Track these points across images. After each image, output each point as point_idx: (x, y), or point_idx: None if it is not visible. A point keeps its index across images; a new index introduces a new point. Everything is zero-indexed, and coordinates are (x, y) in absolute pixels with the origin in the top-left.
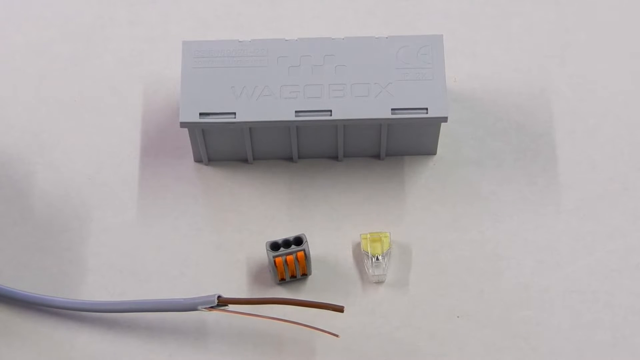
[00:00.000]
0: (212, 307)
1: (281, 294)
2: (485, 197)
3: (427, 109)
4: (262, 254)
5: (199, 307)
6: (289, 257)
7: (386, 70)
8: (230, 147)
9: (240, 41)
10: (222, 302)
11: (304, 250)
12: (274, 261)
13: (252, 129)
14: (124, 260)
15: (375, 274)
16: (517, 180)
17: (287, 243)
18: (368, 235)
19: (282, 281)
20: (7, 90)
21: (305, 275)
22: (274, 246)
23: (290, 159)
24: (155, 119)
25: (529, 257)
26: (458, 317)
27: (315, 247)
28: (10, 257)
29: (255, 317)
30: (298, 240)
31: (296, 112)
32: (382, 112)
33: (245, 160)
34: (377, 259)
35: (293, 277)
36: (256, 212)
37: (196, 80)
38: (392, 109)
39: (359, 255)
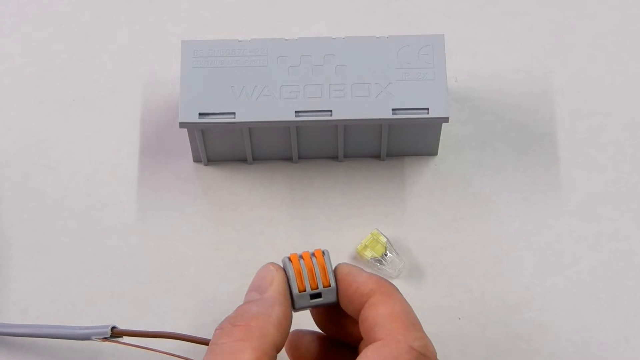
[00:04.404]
0: (105, 338)
1: None
2: (486, 198)
3: (428, 109)
4: (262, 254)
5: (93, 338)
6: (305, 253)
7: (387, 70)
8: (229, 147)
9: (239, 41)
10: (115, 334)
11: (322, 249)
12: (289, 258)
13: (251, 129)
14: (123, 261)
15: (397, 268)
16: (519, 180)
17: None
18: (363, 243)
19: (302, 293)
20: (6, 90)
21: (328, 288)
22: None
23: (290, 159)
24: (154, 119)
25: (531, 258)
26: (459, 318)
27: (315, 247)
28: (9, 257)
29: (148, 351)
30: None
31: (296, 112)
32: (383, 112)
33: (244, 161)
34: (386, 255)
35: (314, 290)
36: (256, 213)
37: (195, 80)
38: (393, 109)
39: (360, 256)
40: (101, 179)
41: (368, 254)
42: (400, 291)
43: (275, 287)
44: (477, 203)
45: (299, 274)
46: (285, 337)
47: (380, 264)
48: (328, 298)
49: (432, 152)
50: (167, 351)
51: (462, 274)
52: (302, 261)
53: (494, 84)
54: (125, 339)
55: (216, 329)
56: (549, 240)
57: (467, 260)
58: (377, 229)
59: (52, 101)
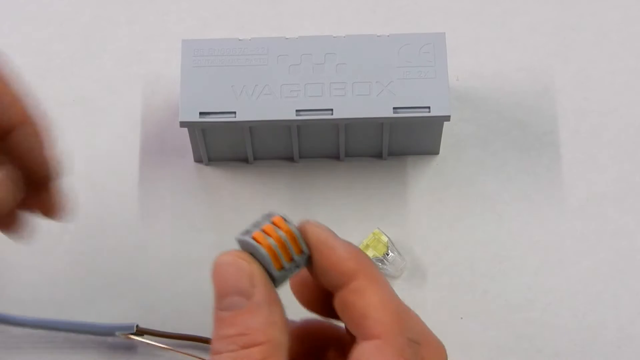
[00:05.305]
0: (130, 334)
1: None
2: (488, 197)
3: (429, 107)
4: None
5: (117, 333)
6: (267, 227)
7: (388, 68)
8: (230, 146)
9: (240, 39)
10: (140, 332)
11: (279, 215)
12: (254, 238)
13: (252, 128)
14: (124, 261)
15: (399, 268)
16: (521, 179)
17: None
18: (364, 242)
19: (281, 271)
20: None
21: (302, 254)
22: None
23: (291, 158)
24: (155, 118)
25: (533, 257)
26: (461, 318)
27: None
28: (9, 257)
29: (172, 352)
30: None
31: (297, 111)
32: (384, 111)
33: (245, 160)
34: (387, 254)
35: (290, 263)
36: (256, 213)
37: (196, 79)
38: (394, 108)
39: None
40: (101, 178)
41: (370, 253)
42: (402, 291)
43: (261, 286)
44: (479, 202)
45: (272, 252)
46: (288, 332)
47: (382, 263)
48: (303, 264)
49: (434, 151)
50: (191, 353)
51: (464, 273)
52: (269, 238)
53: (496, 82)
54: (147, 338)
55: (222, 352)
56: (552, 239)
57: (469, 259)
58: (378, 228)
59: (52, 101)
